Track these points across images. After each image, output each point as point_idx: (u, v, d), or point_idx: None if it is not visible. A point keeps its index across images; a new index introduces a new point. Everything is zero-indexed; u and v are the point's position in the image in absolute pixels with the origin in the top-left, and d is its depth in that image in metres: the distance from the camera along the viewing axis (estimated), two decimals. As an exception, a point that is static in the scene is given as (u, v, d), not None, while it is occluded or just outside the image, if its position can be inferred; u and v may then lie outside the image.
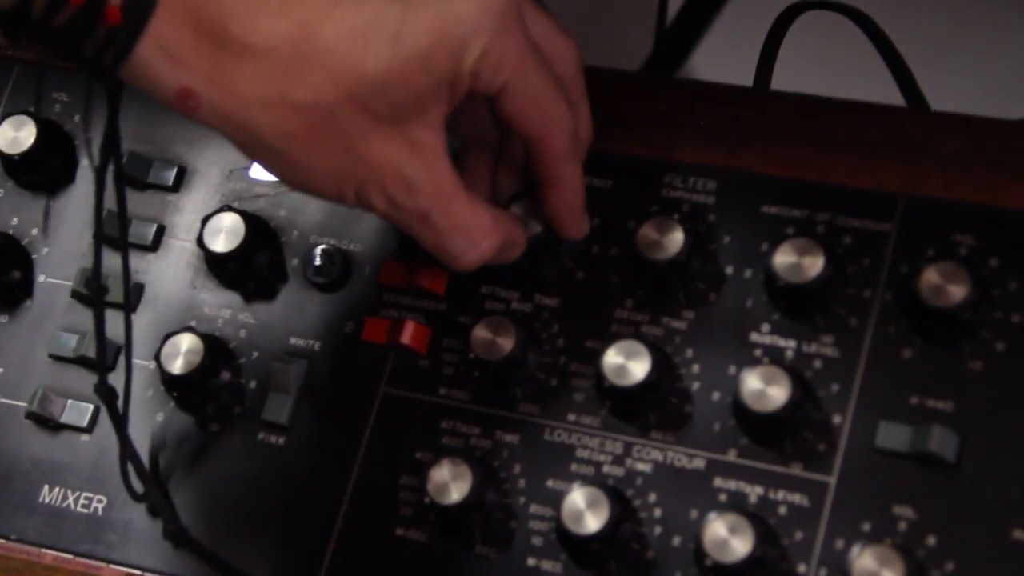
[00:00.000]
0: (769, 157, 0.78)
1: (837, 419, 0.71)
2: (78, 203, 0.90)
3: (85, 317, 0.83)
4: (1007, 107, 0.89)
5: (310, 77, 0.63)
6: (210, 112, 0.63)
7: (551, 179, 0.76)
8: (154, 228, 0.86)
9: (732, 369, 0.75)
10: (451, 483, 0.72)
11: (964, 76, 1.02)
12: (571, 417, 0.75)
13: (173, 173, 0.89)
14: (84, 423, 0.81)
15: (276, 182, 0.84)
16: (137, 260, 0.84)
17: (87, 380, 0.81)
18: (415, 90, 0.68)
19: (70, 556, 0.81)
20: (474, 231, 0.74)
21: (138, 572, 0.79)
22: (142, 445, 0.80)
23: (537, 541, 0.73)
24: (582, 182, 0.78)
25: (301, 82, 0.63)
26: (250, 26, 0.61)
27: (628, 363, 0.73)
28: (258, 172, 0.86)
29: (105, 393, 0.74)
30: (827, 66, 0.92)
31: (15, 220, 0.88)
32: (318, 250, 0.81)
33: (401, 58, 0.65)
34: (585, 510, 0.70)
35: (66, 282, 0.86)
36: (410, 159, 0.69)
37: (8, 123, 0.87)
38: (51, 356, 0.84)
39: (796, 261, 0.73)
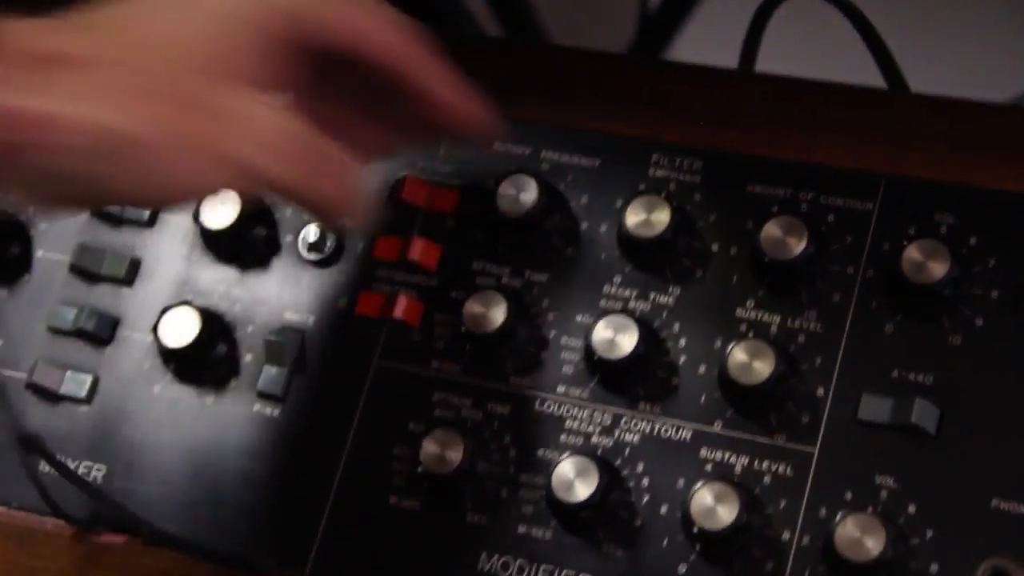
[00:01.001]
0: (754, 137, 0.79)
1: (820, 392, 0.72)
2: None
3: (82, 291, 0.85)
4: (987, 90, 0.90)
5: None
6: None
7: (421, 81, 0.76)
8: (150, 204, 0.88)
9: (718, 343, 0.75)
10: (444, 453, 0.73)
11: (945, 60, 1.03)
12: (560, 389, 0.76)
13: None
14: (83, 394, 0.81)
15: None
16: (135, 236, 0.85)
17: (85, 352, 0.83)
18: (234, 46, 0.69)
19: (70, 524, 0.80)
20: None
21: (136, 539, 0.78)
22: (142, 416, 0.82)
23: (528, 509, 0.74)
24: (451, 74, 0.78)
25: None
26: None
27: (617, 337, 0.74)
28: None
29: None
30: (810, 50, 0.93)
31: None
32: (311, 227, 0.82)
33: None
34: (575, 479, 0.71)
35: (64, 256, 0.86)
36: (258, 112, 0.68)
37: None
38: (50, 329, 0.84)
39: (781, 238, 0.74)
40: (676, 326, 0.77)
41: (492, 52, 0.90)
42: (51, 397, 0.82)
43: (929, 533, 0.68)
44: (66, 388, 0.82)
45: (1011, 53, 1.33)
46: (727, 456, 0.73)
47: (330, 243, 0.81)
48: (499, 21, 1.08)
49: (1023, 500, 0.68)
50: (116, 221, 0.86)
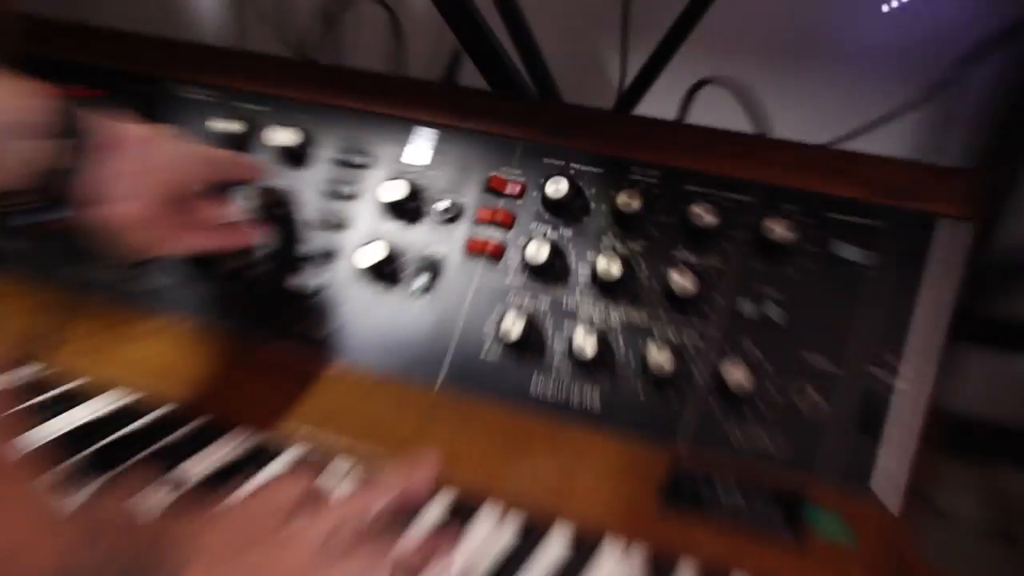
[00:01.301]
0: (676, 156, 0.85)
1: (717, 297, 0.79)
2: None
3: (319, 235, 0.89)
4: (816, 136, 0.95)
5: None
6: None
7: (217, 162, 0.81)
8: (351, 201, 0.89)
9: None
10: (512, 327, 0.80)
11: (793, 117, 1.11)
12: (576, 293, 0.83)
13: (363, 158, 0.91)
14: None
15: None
16: (346, 205, 0.89)
17: (320, 268, 0.88)
18: None
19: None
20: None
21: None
22: (352, 300, 0.86)
23: (558, 356, 0.81)
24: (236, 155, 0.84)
25: None
26: None
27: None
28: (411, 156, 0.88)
29: None
30: (718, 112, 1.00)
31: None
32: (442, 201, 0.86)
33: None
34: (586, 340, 0.78)
35: (313, 216, 0.90)
36: None
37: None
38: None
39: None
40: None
41: (539, 108, 0.92)
42: (302, 290, 0.87)
43: (771, 372, 0.77)
44: (312, 285, 0.87)
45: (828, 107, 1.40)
46: (665, 333, 0.80)
47: (453, 210, 0.85)
48: (536, 87, 1.11)
49: (818, 354, 0.77)
50: (338, 197, 0.88)
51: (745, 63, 1.24)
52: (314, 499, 0.67)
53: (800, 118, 0.99)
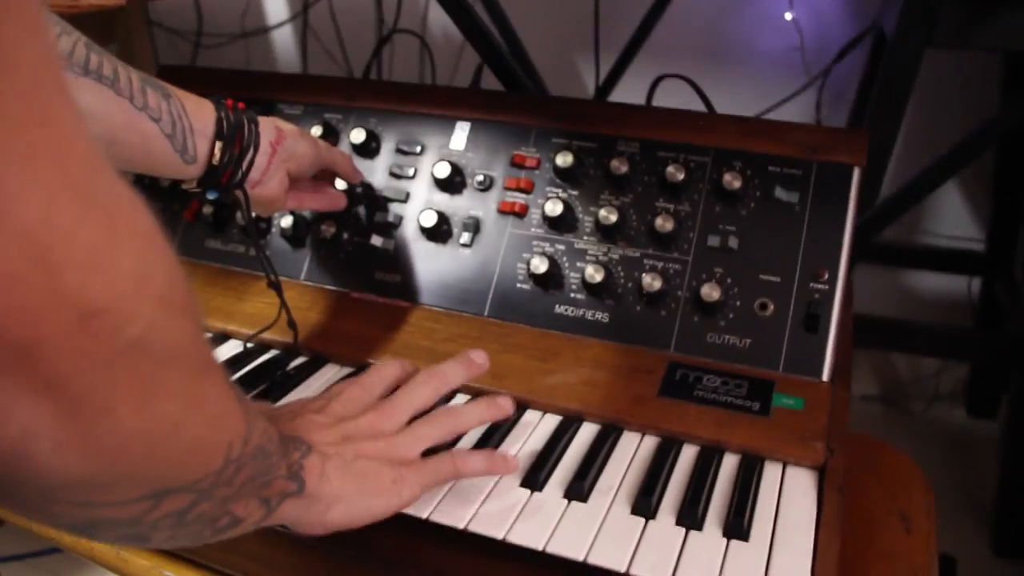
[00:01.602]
0: (650, 131, 0.82)
1: (690, 234, 0.77)
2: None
3: (389, 205, 0.86)
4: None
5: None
6: None
7: (335, 164, 0.80)
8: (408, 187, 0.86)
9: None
10: (539, 264, 0.78)
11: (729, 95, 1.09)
12: (584, 237, 0.79)
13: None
14: (391, 248, 0.84)
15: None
16: (406, 183, 0.85)
17: (390, 229, 0.85)
18: None
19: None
20: None
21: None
22: (412, 255, 0.83)
23: (574, 286, 0.78)
24: (349, 160, 0.82)
25: None
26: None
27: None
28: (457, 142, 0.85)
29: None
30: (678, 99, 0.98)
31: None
32: (479, 174, 0.83)
33: None
34: (594, 273, 0.76)
35: (379, 192, 0.87)
36: None
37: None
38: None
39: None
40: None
41: (546, 103, 0.89)
42: (375, 248, 0.84)
43: (735, 290, 0.75)
44: (382, 245, 0.84)
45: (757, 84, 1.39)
46: (653, 263, 0.78)
47: (486, 181, 0.82)
48: (532, 84, 1.12)
49: (768, 274, 0.75)
50: (401, 177, 0.86)
51: (689, 60, 1.26)
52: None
53: (729, 99, 0.95)
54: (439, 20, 1.49)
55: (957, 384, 1.58)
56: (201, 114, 0.65)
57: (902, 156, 1.04)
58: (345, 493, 0.51)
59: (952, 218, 1.46)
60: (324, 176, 0.81)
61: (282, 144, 0.71)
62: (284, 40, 1.66)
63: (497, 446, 0.68)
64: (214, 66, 1.04)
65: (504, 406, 0.63)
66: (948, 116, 1.35)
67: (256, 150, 0.68)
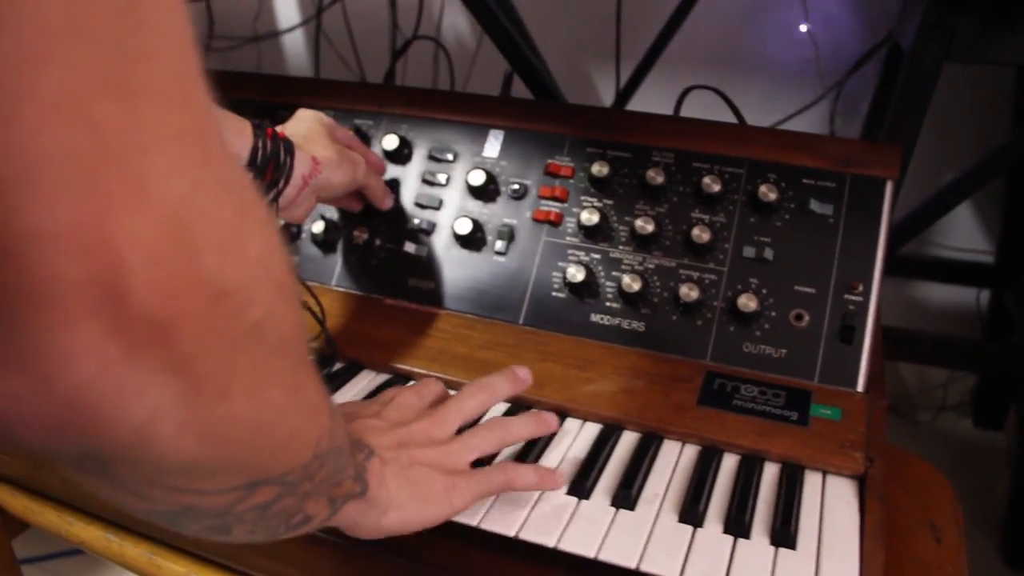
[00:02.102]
0: (684, 142, 0.82)
1: (725, 245, 0.78)
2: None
3: (423, 212, 0.85)
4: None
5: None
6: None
7: (368, 189, 0.81)
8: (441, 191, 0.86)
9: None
10: (574, 273, 0.78)
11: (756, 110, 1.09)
12: (620, 247, 0.80)
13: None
14: (423, 254, 0.84)
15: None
16: (439, 190, 0.85)
17: (423, 237, 0.85)
18: None
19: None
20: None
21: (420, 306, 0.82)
22: (447, 261, 0.83)
23: (609, 295, 0.78)
24: (383, 186, 0.83)
25: None
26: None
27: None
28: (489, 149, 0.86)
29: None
30: (706, 109, 0.98)
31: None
32: (514, 183, 0.83)
33: None
34: (631, 282, 0.77)
35: (411, 198, 0.88)
36: None
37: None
38: (409, 228, 0.86)
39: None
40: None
41: (579, 112, 0.88)
42: (409, 255, 0.84)
43: (771, 300, 0.76)
44: (416, 252, 0.84)
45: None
46: (689, 273, 0.78)
47: (520, 190, 0.82)
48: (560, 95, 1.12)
49: (804, 285, 0.75)
50: (433, 184, 0.86)
51: (704, 71, 1.27)
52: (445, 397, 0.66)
53: (743, 110, 0.98)
54: (453, 27, 1.49)
55: (965, 395, 1.59)
56: (238, 138, 0.64)
57: (914, 169, 1.05)
58: (400, 498, 0.51)
59: (962, 230, 1.48)
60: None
61: (316, 177, 0.71)
62: (295, 44, 1.66)
63: (541, 453, 0.68)
64: (226, 69, 1.03)
65: (550, 422, 0.64)
66: (961, 130, 1.36)
67: (287, 183, 0.67)
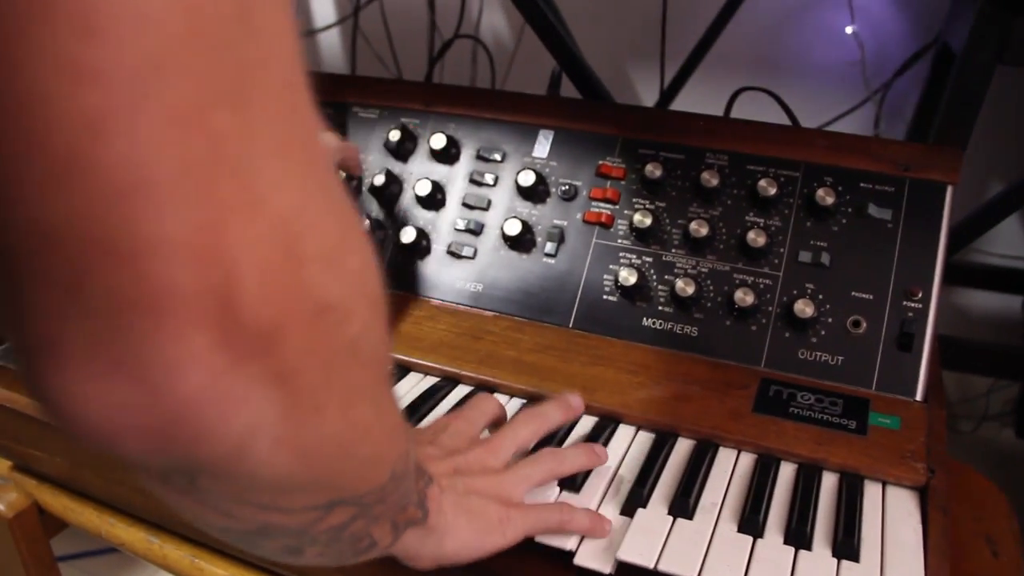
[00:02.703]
0: (738, 144, 0.81)
1: (781, 249, 0.77)
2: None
3: (472, 213, 0.85)
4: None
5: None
6: None
7: (347, 159, 0.84)
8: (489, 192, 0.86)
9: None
10: (627, 276, 0.77)
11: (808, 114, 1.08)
12: (672, 249, 0.79)
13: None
14: (471, 255, 0.83)
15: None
16: (489, 191, 0.85)
17: (472, 238, 0.84)
18: None
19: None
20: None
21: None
22: (496, 263, 0.82)
23: (663, 299, 0.78)
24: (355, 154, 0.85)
25: None
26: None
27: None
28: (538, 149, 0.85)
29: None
30: (757, 111, 0.97)
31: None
32: (563, 185, 0.82)
33: None
34: (684, 286, 0.76)
35: (459, 199, 0.87)
36: None
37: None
38: (455, 229, 0.85)
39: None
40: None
41: (629, 112, 0.87)
42: (456, 256, 0.84)
43: (827, 306, 0.74)
44: (464, 253, 0.83)
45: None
46: (744, 277, 0.77)
47: (571, 191, 0.82)
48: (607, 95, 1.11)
49: (861, 291, 0.74)
50: (482, 185, 0.85)
51: (747, 72, 1.25)
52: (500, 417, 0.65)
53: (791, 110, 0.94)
54: (492, 26, 1.49)
55: (1007, 404, 1.57)
56: None
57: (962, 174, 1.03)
58: (457, 527, 0.51)
59: (1006, 236, 1.45)
60: None
61: None
62: (331, 43, 1.66)
63: (596, 459, 0.67)
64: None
65: (601, 455, 0.64)
66: (1012, 134, 1.34)
67: None
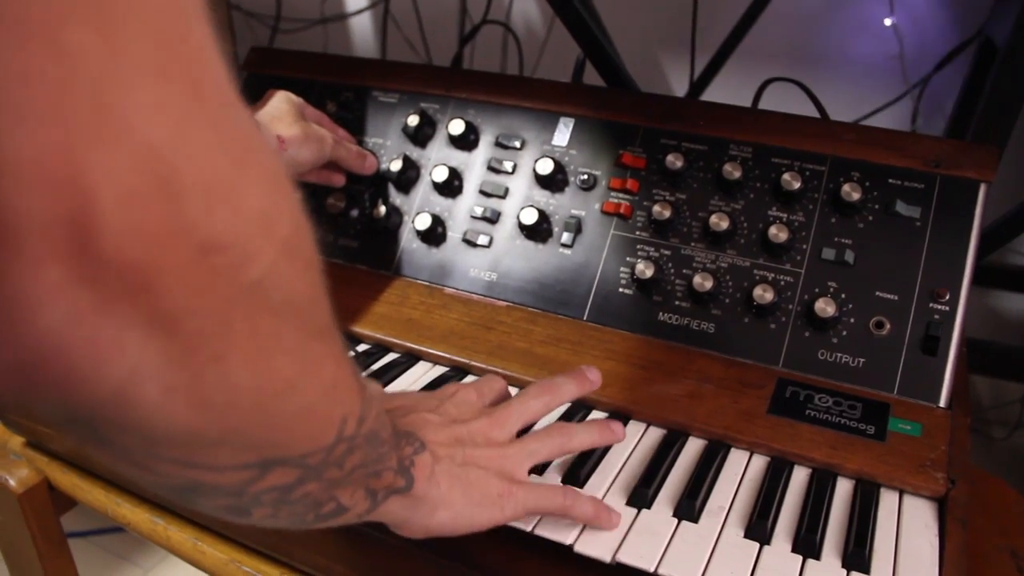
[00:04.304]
0: (763, 136, 0.78)
1: (804, 246, 0.74)
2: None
3: (488, 200, 0.84)
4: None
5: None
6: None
7: (341, 160, 0.82)
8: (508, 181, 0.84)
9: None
10: (644, 269, 0.75)
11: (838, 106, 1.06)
12: (689, 243, 0.77)
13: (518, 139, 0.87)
14: (487, 243, 0.82)
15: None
16: (505, 178, 0.83)
17: (488, 226, 0.82)
18: None
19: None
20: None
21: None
22: (512, 253, 0.81)
23: (680, 292, 0.75)
24: (354, 153, 0.84)
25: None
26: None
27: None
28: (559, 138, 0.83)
29: None
30: (784, 102, 0.95)
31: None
32: (582, 173, 0.80)
33: None
34: (702, 281, 0.74)
35: (477, 185, 0.86)
36: None
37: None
38: (471, 216, 0.84)
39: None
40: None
41: (652, 101, 0.83)
42: (472, 244, 0.82)
43: (850, 306, 0.72)
44: (479, 241, 0.82)
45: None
46: (764, 274, 0.75)
47: (590, 180, 0.80)
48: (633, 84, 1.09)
49: (886, 291, 0.71)
50: (499, 172, 0.84)
51: (781, 63, 1.22)
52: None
53: (823, 105, 0.92)
54: (523, 12, 1.46)
55: (1042, 411, 1.52)
56: None
57: (1001, 172, 0.99)
58: (451, 498, 0.49)
59: (1046, 238, 1.40)
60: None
61: (281, 155, 0.72)
62: (363, 27, 1.65)
63: (602, 456, 0.66)
64: (292, 50, 1.02)
65: (616, 431, 0.61)
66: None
67: None
